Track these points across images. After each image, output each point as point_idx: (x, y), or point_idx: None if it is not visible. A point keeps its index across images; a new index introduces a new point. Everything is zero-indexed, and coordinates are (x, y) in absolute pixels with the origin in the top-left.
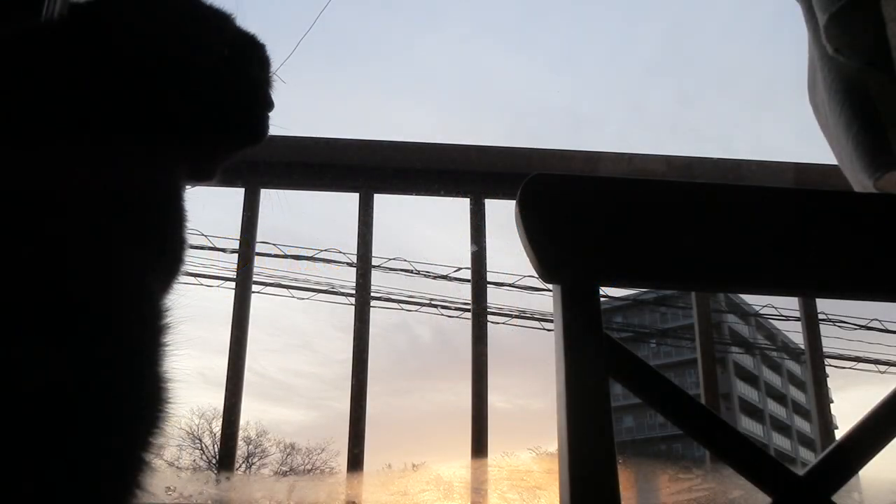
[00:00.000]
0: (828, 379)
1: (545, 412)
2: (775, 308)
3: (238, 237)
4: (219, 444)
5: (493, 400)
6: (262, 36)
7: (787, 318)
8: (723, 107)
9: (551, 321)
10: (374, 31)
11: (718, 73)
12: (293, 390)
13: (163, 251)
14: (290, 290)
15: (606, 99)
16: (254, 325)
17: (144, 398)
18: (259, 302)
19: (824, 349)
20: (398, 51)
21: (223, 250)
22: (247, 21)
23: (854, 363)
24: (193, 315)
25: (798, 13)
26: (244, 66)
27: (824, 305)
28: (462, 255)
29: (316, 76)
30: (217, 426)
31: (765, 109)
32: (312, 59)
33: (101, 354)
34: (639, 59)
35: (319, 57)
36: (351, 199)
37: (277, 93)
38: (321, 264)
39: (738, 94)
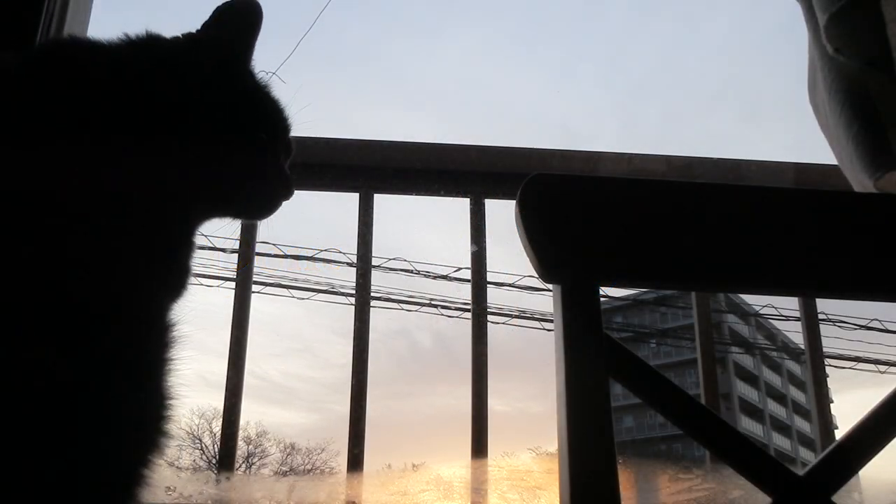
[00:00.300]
0: (828, 379)
1: (544, 415)
2: (775, 308)
3: (238, 237)
4: (219, 444)
5: (492, 403)
6: (263, 36)
7: (787, 319)
8: (715, 122)
9: (551, 321)
10: (368, 37)
11: (713, 87)
12: (294, 393)
13: (172, 259)
14: (290, 291)
15: (600, 115)
16: (256, 329)
17: (144, 407)
18: (261, 306)
19: (824, 349)
20: (392, 59)
21: (223, 250)
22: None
23: (854, 363)
24: (194, 317)
25: (798, 13)
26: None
27: (824, 305)
28: (462, 255)
29: (311, 79)
30: (217, 426)
31: (757, 129)
32: (310, 64)
33: (102, 359)
34: (633, 74)
35: (316, 62)
36: (351, 199)
37: (277, 92)
38: (321, 264)
39: (731, 109)
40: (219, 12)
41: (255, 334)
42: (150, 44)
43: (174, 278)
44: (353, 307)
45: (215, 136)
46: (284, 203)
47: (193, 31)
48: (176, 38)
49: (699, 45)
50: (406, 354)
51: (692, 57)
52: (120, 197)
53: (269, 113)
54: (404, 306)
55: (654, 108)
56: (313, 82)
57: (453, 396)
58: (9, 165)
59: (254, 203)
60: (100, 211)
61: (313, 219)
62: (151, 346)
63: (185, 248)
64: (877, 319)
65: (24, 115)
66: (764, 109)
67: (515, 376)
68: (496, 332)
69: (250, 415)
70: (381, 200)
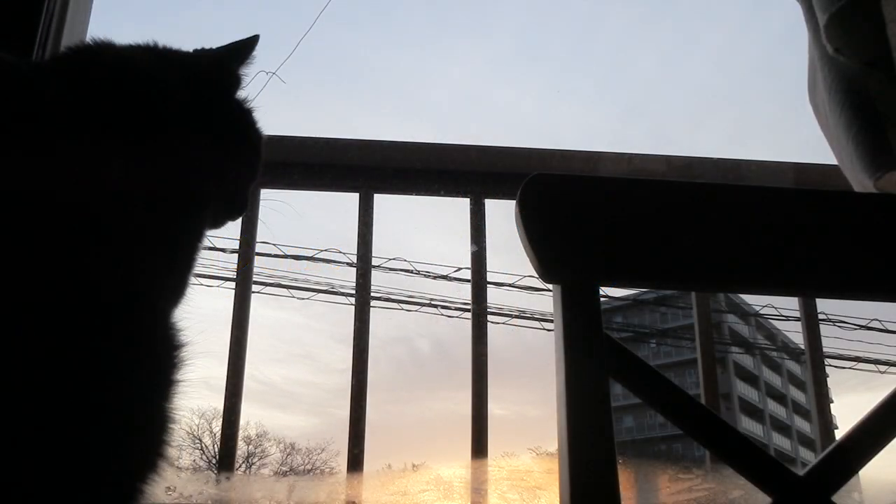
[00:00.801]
0: (828, 379)
1: (542, 419)
2: (775, 308)
3: (238, 237)
4: (219, 444)
5: (491, 408)
6: (262, 37)
7: (787, 319)
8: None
9: (551, 321)
10: (363, 47)
11: (709, 100)
12: (295, 398)
13: (173, 264)
14: (291, 291)
15: (597, 127)
16: (258, 335)
17: (148, 419)
18: (263, 311)
19: (824, 349)
20: (389, 68)
21: (223, 250)
22: (247, 23)
23: (854, 363)
24: (195, 321)
25: (798, 13)
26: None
27: (824, 305)
28: (462, 255)
29: (308, 85)
30: (217, 426)
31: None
32: (307, 70)
33: (105, 362)
34: (631, 88)
35: (314, 70)
36: (351, 200)
37: (277, 93)
38: (321, 264)
39: (725, 126)
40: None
41: (257, 340)
42: (163, 54)
43: (175, 283)
44: (353, 307)
45: (202, 147)
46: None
47: (195, 49)
48: (183, 53)
49: (697, 58)
50: (406, 360)
51: (690, 70)
52: (123, 198)
53: (248, 138)
54: (404, 306)
55: (649, 123)
56: (310, 88)
57: (453, 401)
58: (15, 167)
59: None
60: (104, 212)
61: (313, 219)
62: (159, 360)
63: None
64: (877, 319)
65: (34, 117)
66: (756, 129)
67: (514, 382)
68: (494, 338)
69: (253, 419)
70: (380, 200)
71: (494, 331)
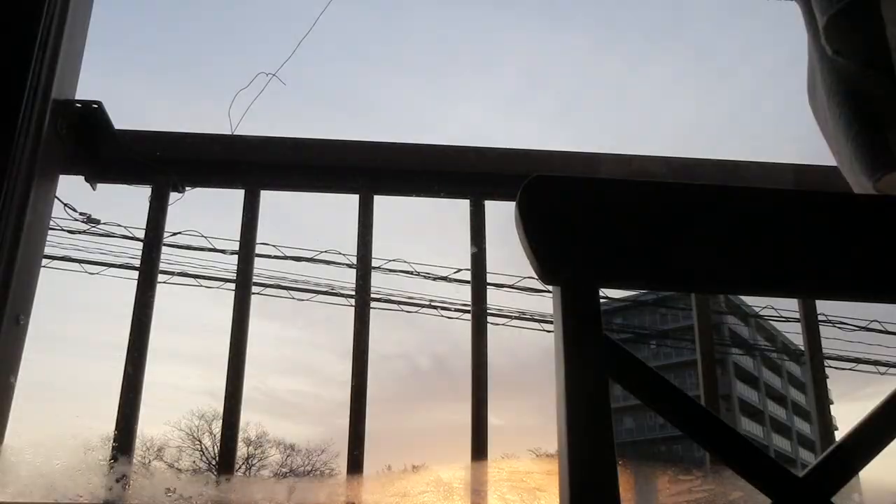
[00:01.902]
0: (827, 380)
1: (538, 426)
2: (775, 309)
3: (238, 239)
4: (218, 445)
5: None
6: (262, 36)
7: (787, 320)
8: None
9: (551, 323)
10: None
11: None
12: (299, 408)
13: None
14: (291, 292)
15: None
16: (261, 347)
17: None
18: (266, 324)
19: (824, 350)
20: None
21: (223, 251)
22: (248, 22)
23: (854, 364)
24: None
25: (797, 15)
26: None
27: (824, 307)
28: (462, 256)
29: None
30: (217, 428)
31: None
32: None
33: None
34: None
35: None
36: (351, 201)
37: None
38: (321, 265)
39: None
40: None
41: (263, 353)
42: None
43: None
44: (353, 308)
45: None
46: (282, 203)
47: None
48: None
49: (697, 91)
50: (406, 374)
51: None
52: None
53: None
54: (404, 307)
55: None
56: (310, 92)
57: (452, 411)
58: None
59: None
60: None
61: (313, 220)
62: None
63: None
64: (876, 321)
65: None
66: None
67: (510, 392)
68: (491, 349)
69: (255, 426)
70: (380, 201)
71: (491, 343)
